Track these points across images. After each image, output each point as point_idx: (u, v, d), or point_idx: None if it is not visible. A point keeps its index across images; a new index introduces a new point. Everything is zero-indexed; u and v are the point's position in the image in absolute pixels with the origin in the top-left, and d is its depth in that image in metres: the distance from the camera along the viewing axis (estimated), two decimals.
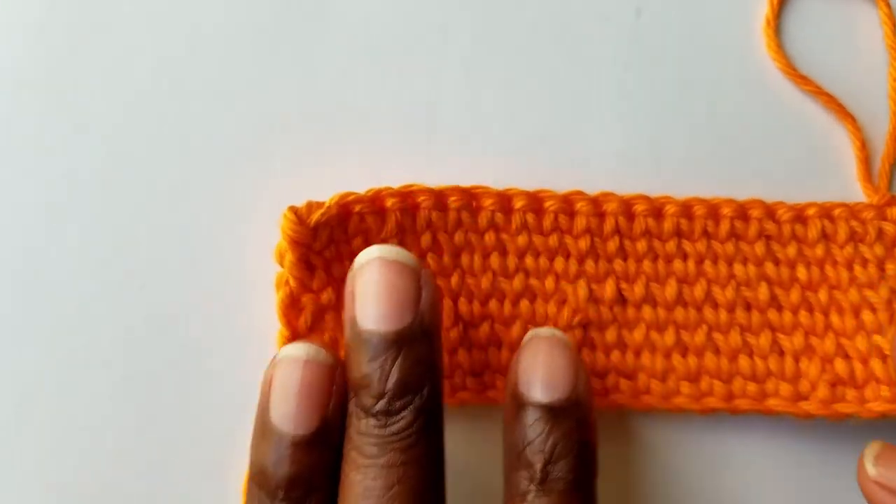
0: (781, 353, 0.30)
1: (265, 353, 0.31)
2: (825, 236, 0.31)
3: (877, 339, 0.30)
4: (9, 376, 0.31)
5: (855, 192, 0.32)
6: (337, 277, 0.31)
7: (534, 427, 0.25)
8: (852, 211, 0.31)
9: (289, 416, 0.25)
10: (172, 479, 0.31)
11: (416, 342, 0.25)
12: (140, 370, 0.31)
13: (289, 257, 0.30)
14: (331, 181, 0.31)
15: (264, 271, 0.31)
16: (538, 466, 0.24)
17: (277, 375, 0.25)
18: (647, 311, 0.31)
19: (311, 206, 0.30)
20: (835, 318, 0.31)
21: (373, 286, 0.25)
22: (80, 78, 0.33)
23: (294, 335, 0.31)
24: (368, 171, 0.32)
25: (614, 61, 0.33)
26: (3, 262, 0.32)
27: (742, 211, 0.31)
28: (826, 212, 0.31)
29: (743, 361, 0.30)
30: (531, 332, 0.27)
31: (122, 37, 0.33)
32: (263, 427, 0.25)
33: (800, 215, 0.31)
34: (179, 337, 0.32)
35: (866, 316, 0.30)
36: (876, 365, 0.30)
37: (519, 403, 0.26)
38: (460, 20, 0.34)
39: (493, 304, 0.31)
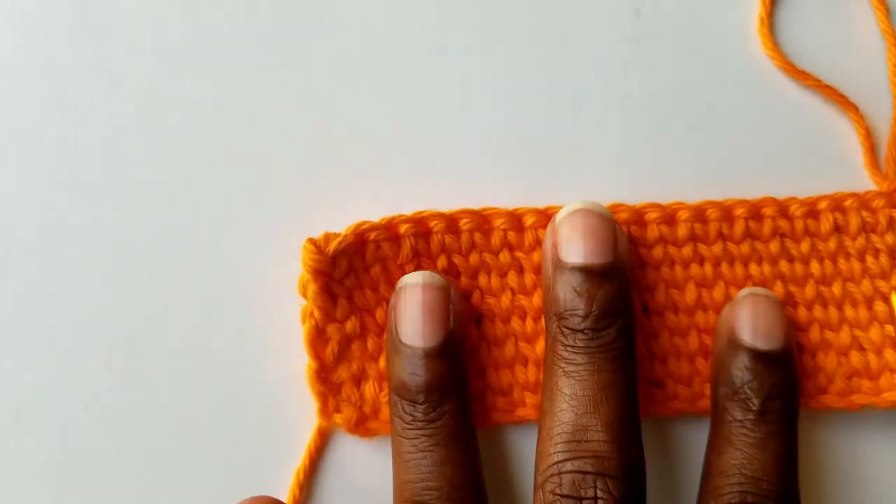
0: (800, 350, 0.31)
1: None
2: (837, 229, 0.31)
3: (889, 329, 0.31)
4: (9, 377, 0.31)
5: (864, 180, 0.33)
6: (360, 306, 0.31)
7: (753, 369, 0.28)
8: (863, 200, 0.32)
9: (416, 332, 0.28)
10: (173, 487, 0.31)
11: (616, 277, 0.28)
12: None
13: (311, 287, 0.30)
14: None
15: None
16: (757, 401, 0.28)
17: (402, 300, 0.29)
18: (669, 318, 0.31)
19: (328, 237, 0.30)
20: (849, 311, 0.31)
21: (579, 229, 0.29)
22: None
23: (322, 367, 0.31)
24: (369, 180, 0.33)
25: (614, 62, 0.33)
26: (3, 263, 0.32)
27: (755, 210, 0.31)
28: (837, 203, 0.32)
29: None
30: (747, 290, 0.30)
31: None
32: (395, 346, 0.29)
33: (812, 210, 0.32)
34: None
35: (879, 306, 0.31)
36: (889, 355, 0.31)
37: (737, 347, 0.29)
38: (460, 23, 0.33)
39: (515, 322, 0.31)
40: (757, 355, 0.28)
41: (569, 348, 0.28)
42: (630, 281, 0.29)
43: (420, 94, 0.33)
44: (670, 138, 0.33)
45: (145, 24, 0.33)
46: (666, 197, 0.32)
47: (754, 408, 0.28)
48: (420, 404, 0.28)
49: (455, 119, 0.33)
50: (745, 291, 0.30)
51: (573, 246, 0.28)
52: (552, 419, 0.27)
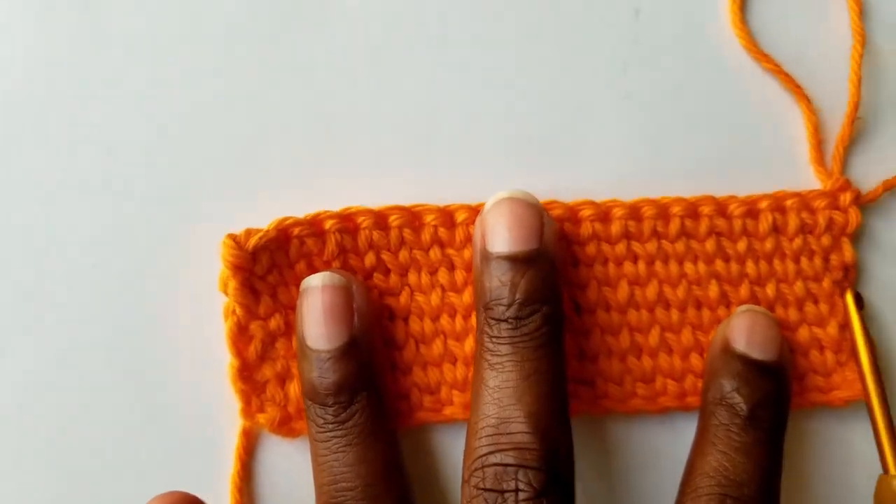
0: None
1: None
2: (776, 229, 0.31)
3: (816, 330, 0.31)
4: None
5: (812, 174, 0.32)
6: (284, 303, 0.30)
7: (744, 376, 0.28)
8: (804, 200, 0.31)
9: (321, 335, 0.28)
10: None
11: (541, 264, 0.28)
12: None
13: (232, 284, 0.29)
14: (325, 198, 0.31)
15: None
16: (745, 407, 0.28)
17: (304, 304, 0.29)
18: (600, 316, 0.31)
19: (249, 232, 0.29)
20: (780, 311, 0.31)
21: (504, 218, 0.28)
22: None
23: (244, 366, 0.30)
24: (370, 179, 0.32)
25: (613, 62, 0.32)
26: None
27: (692, 209, 0.30)
28: (778, 203, 0.31)
29: (695, 360, 0.31)
30: (745, 306, 0.30)
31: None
32: (302, 350, 0.29)
33: (751, 209, 0.31)
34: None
35: (809, 308, 0.31)
36: (814, 356, 0.31)
37: (730, 354, 0.29)
38: (459, 23, 0.32)
39: (444, 320, 0.31)
40: (749, 363, 0.28)
41: (493, 339, 0.27)
42: (556, 267, 0.29)
43: (420, 93, 0.32)
44: (669, 136, 0.32)
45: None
46: (664, 194, 0.31)
47: (742, 413, 0.28)
48: (330, 406, 0.28)
49: (454, 118, 0.32)
50: (743, 307, 0.30)
51: (498, 235, 0.28)
52: (477, 413, 0.27)
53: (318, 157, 0.32)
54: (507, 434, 0.26)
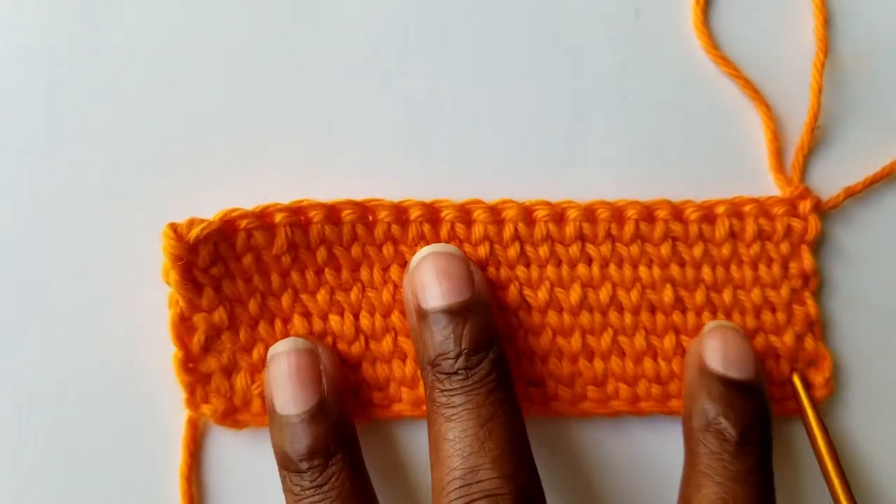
0: (684, 355, 0.30)
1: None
2: (733, 235, 0.30)
3: (772, 339, 0.30)
4: None
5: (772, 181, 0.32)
6: (230, 296, 0.30)
7: (729, 401, 0.27)
8: (762, 207, 0.30)
9: (289, 400, 0.28)
10: None
11: (479, 311, 0.28)
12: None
13: (173, 275, 0.29)
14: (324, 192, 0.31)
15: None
16: (734, 431, 0.27)
17: (271, 370, 0.29)
18: (552, 317, 0.30)
19: (192, 223, 0.29)
20: (737, 318, 0.30)
21: (433, 273, 0.28)
22: None
23: (188, 356, 0.30)
24: (366, 180, 0.31)
25: (612, 63, 0.32)
26: None
27: (647, 212, 0.30)
28: (735, 209, 0.30)
29: (647, 364, 0.30)
30: (714, 323, 0.30)
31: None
32: (272, 418, 0.28)
33: (708, 214, 0.30)
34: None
35: (766, 316, 0.30)
36: (770, 365, 0.30)
37: (708, 377, 0.28)
38: (458, 23, 0.32)
39: (395, 317, 0.30)
40: (730, 384, 0.28)
41: (446, 393, 0.27)
42: (493, 311, 0.29)
43: (420, 93, 0.32)
44: (668, 138, 0.32)
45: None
46: (663, 195, 0.31)
47: (731, 439, 0.27)
48: (305, 472, 0.27)
49: (454, 118, 0.32)
50: (712, 324, 0.29)
51: (431, 290, 0.28)
52: (441, 469, 0.26)
53: (317, 157, 0.32)
54: (476, 483, 0.25)
